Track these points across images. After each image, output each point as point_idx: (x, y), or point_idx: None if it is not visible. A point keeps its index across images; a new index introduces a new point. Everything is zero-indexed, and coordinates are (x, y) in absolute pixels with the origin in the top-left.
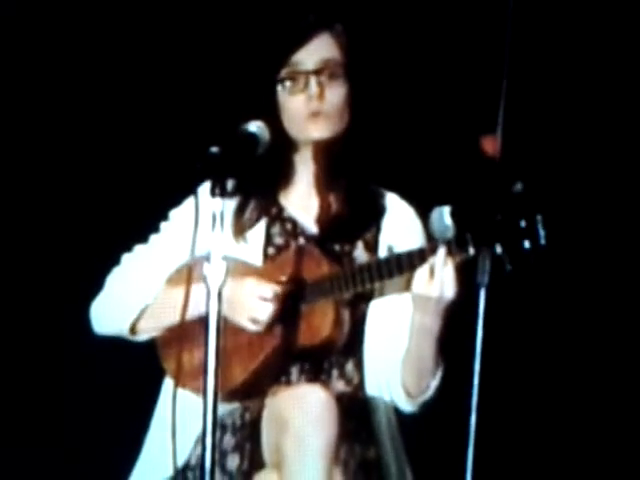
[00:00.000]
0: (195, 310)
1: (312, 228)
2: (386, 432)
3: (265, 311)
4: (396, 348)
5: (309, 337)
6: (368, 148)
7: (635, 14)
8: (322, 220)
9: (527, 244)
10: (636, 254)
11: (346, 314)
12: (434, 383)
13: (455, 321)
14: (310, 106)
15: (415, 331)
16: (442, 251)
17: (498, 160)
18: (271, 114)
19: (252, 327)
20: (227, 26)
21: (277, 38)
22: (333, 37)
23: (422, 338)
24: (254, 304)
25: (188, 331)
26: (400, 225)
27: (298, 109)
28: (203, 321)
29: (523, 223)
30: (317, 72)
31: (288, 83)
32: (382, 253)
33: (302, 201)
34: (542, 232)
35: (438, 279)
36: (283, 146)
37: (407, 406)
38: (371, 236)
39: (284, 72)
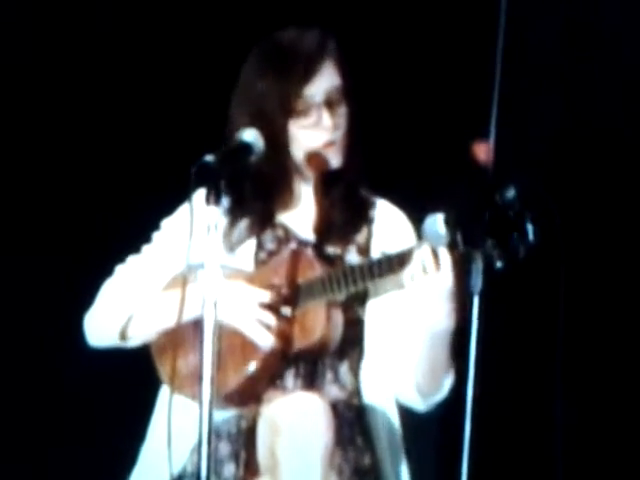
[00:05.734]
0: (189, 314)
1: (303, 233)
2: (384, 438)
3: (269, 318)
4: (400, 351)
5: (303, 339)
6: (361, 155)
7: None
8: (313, 225)
9: (516, 237)
10: (631, 260)
11: (339, 315)
12: (448, 381)
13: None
14: (324, 138)
15: (428, 334)
16: (426, 245)
17: (490, 167)
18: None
19: (258, 332)
20: (233, 46)
21: (290, 72)
22: (335, 64)
23: (436, 339)
24: (259, 310)
25: (182, 336)
26: (391, 230)
27: (313, 143)
28: (197, 325)
29: (512, 216)
30: (327, 103)
31: (300, 116)
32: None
33: (293, 208)
34: (531, 227)
35: (430, 270)
36: (279, 162)
37: (420, 406)
38: (363, 241)
39: (296, 106)
